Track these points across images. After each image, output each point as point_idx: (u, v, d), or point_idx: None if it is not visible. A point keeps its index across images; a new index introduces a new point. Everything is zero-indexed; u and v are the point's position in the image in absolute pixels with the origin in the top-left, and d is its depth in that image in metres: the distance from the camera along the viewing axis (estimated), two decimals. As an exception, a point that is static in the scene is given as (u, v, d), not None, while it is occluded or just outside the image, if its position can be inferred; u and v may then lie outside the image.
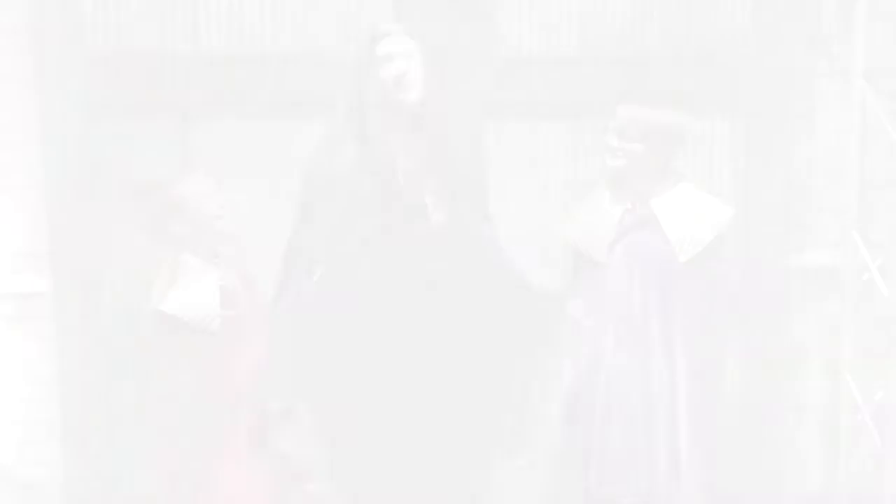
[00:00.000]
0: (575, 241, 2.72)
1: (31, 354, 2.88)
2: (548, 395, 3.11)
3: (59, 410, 2.87)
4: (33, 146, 2.77)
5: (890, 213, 3.06)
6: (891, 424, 2.94)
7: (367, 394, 2.25)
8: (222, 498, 2.37)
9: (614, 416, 2.63)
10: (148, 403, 2.49)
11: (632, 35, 3.09)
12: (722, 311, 2.78)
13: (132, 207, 2.82)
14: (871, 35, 3.09)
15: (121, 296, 2.87)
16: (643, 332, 2.60)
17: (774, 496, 3.34)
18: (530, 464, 3.15)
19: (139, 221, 2.79)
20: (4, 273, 2.83)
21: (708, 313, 2.68)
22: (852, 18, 3.13)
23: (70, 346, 2.79)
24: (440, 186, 2.32)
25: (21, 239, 2.83)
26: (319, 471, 2.31)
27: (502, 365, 2.44)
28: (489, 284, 2.41)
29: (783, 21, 3.13)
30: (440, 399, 2.31)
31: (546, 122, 3.09)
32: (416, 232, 2.28)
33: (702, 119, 3.15)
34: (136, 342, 2.58)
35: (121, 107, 2.80)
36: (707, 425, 2.64)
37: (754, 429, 3.27)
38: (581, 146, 3.13)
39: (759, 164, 3.19)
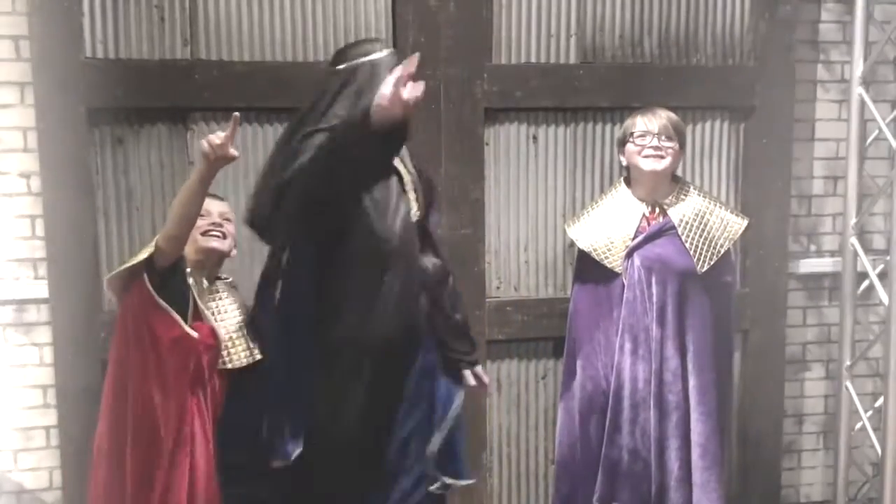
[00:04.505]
0: (588, 246, 2.67)
1: (28, 360, 2.87)
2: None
3: (55, 417, 2.85)
4: (30, 153, 2.77)
5: (889, 220, 3.05)
6: (890, 431, 2.92)
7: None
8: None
9: (623, 424, 2.63)
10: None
11: (630, 41, 3.08)
12: (731, 321, 2.79)
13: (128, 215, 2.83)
14: (869, 42, 3.10)
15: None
16: (657, 342, 2.59)
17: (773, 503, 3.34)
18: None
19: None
20: (1, 279, 2.83)
21: (720, 323, 2.68)
22: (850, 25, 3.14)
23: (67, 353, 2.78)
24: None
25: (18, 245, 2.82)
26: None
27: None
28: None
29: (781, 28, 3.12)
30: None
31: (544, 127, 3.08)
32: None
33: (700, 126, 3.17)
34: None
35: (117, 113, 2.79)
36: (715, 436, 2.64)
37: (753, 435, 3.26)
38: (580, 151, 3.13)
39: (757, 171, 3.18)
